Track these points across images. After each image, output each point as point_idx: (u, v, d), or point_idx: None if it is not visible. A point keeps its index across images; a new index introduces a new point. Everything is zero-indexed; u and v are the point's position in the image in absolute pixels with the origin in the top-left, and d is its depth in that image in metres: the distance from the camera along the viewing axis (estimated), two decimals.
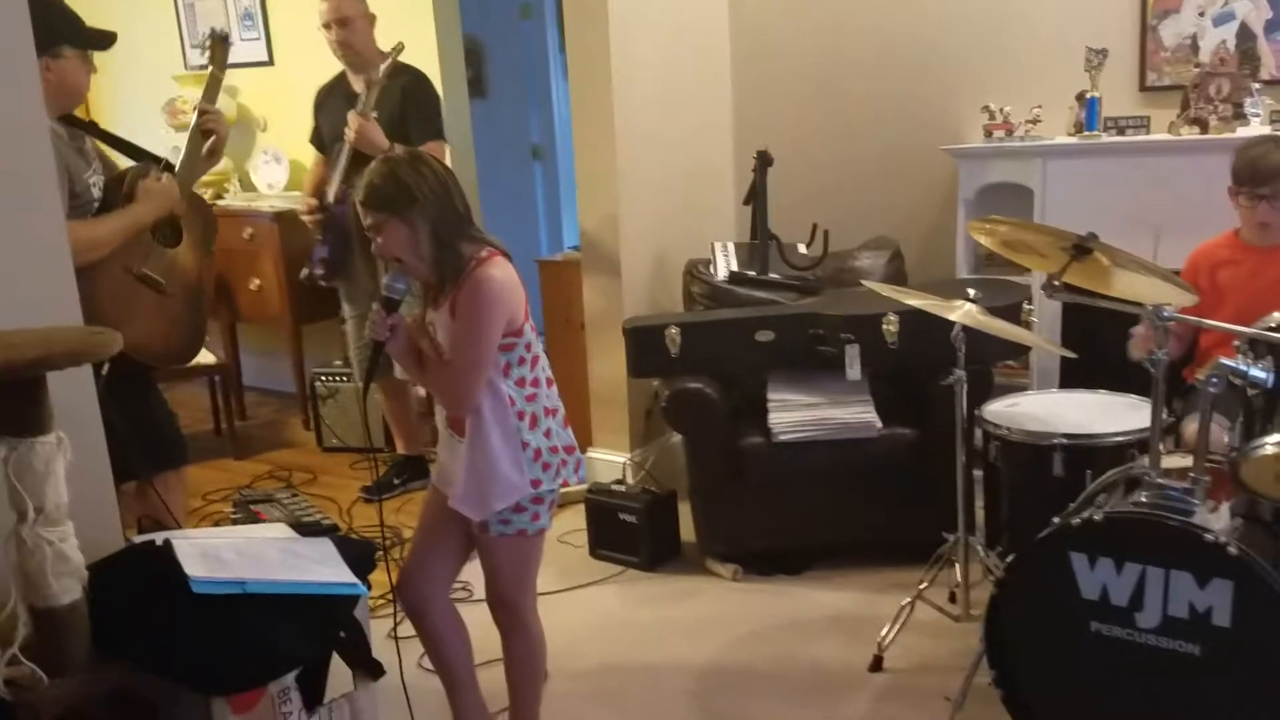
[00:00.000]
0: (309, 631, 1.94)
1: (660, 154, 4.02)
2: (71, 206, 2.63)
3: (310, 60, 5.17)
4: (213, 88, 3.02)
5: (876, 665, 2.81)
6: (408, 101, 3.69)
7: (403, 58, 3.71)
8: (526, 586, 2.33)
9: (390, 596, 2.86)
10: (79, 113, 2.89)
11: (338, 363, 4.76)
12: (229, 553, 1.96)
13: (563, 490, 2.31)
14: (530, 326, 2.20)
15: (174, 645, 1.85)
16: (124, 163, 2.97)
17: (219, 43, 3.06)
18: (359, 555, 2.14)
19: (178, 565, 1.86)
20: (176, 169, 2.90)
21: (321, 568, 2.02)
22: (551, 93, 6.29)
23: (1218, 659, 2.04)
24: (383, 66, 3.61)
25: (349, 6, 3.73)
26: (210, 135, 2.94)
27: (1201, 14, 3.61)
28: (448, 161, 3.64)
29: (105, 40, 2.76)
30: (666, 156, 4.06)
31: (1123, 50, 3.68)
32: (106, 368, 2.63)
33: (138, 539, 2.13)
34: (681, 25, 4.11)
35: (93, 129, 2.89)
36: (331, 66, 3.97)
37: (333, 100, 3.91)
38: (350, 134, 3.61)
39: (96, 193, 2.75)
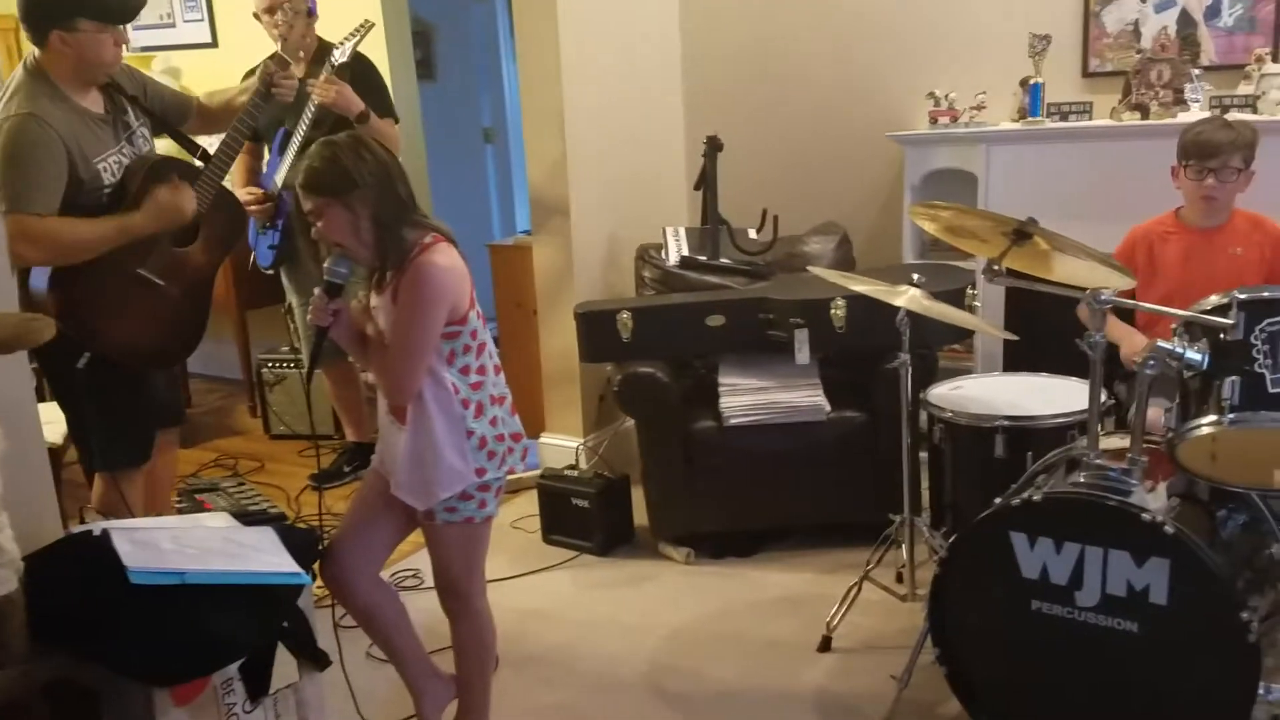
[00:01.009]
0: (251, 621, 1.93)
1: (611, 139, 4.01)
2: (75, 192, 2.57)
3: (255, 42, 5.10)
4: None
5: (826, 645, 2.84)
6: (357, 83, 3.63)
7: (335, 37, 3.65)
8: (475, 574, 2.32)
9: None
10: None
11: (284, 349, 4.71)
12: (168, 542, 1.94)
13: (512, 477, 2.31)
14: (477, 313, 2.18)
15: (114, 636, 1.82)
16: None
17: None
18: (303, 544, 2.12)
19: (116, 555, 1.83)
20: (212, 157, 2.81)
21: (264, 557, 2.00)
22: (503, 75, 6.25)
23: (1155, 636, 2.08)
24: (349, 45, 3.50)
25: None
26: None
27: (1143, 1, 3.66)
28: (399, 140, 3.61)
29: (123, 12, 2.65)
30: (617, 141, 4.05)
31: (1066, 36, 3.72)
32: (85, 359, 2.58)
33: (77, 529, 2.10)
34: (631, 10, 4.10)
35: (135, 102, 2.77)
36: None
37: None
38: (326, 97, 3.48)
39: (109, 178, 2.65)
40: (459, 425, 2.14)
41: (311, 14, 3.08)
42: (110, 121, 2.71)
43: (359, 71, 3.66)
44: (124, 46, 2.68)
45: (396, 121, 3.80)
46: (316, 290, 2.16)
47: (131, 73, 2.86)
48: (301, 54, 3.34)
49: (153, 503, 3.07)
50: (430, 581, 2.45)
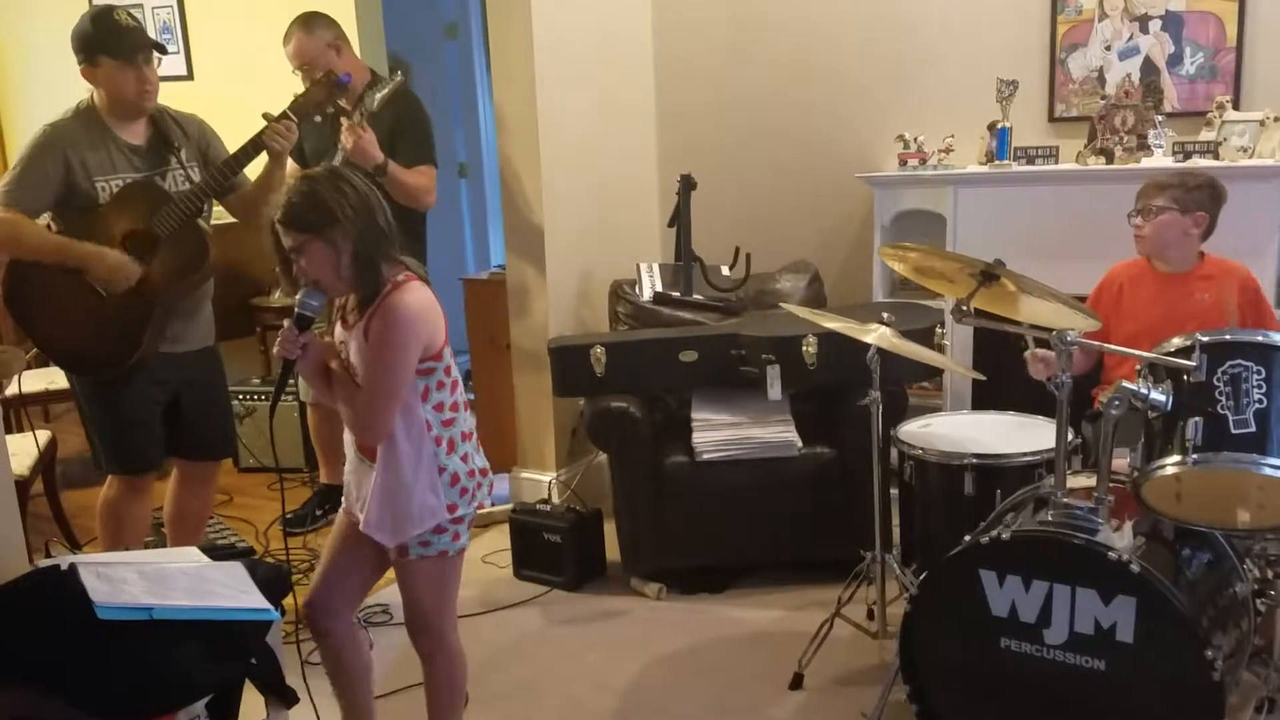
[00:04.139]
0: (219, 658, 1.90)
1: (585, 175, 4.04)
2: (70, 197, 2.78)
3: (230, 74, 5.12)
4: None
5: (797, 682, 2.83)
6: (398, 128, 3.57)
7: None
8: (447, 609, 2.29)
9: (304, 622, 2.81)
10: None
11: (255, 381, 4.68)
12: (136, 578, 1.92)
13: (481, 512, 2.29)
14: (448, 350, 2.18)
15: (80, 672, 1.80)
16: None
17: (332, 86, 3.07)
18: (272, 579, 2.10)
19: (83, 590, 1.81)
20: (190, 189, 2.89)
21: (232, 593, 1.98)
22: (479, 111, 6.29)
23: (1122, 674, 2.11)
24: (379, 95, 3.45)
25: (309, 49, 3.57)
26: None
27: (1108, 48, 3.75)
28: (431, 187, 3.58)
29: (130, 48, 2.79)
30: (592, 177, 4.08)
31: (1032, 82, 3.80)
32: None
33: (43, 563, 2.07)
34: (606, 50, 4.15)
35: (173, 148, 2.92)
36: (253, 81, 3.90)
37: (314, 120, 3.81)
38: (346, 144, 3.42)
39: (105, 197, 2.81)
40: (431, 462, 2.13)
41: (341, 83, 3.08)
42: (144, 153, 2.89)
43: (401, 117, 3.58)
44: (149, 84, 2.85)
45: (434, 166, 3.67)
46: (286, 322, 2.11)
47: (202, 128, 3.06)
48: (318, 118, 3.33)
49: (177, 532, 3.16)
50: (399, 618, 2.43)
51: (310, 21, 3.60)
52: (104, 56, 2.78)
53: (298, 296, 2.09)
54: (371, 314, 2.08)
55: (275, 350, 2.13)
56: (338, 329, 2.19)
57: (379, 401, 2.07)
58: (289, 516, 3.99)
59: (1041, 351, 2.84)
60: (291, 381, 2.24)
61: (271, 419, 2.48)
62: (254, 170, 3.02)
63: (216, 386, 3.16)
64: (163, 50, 2.91)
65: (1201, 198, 2.86)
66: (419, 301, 2.08)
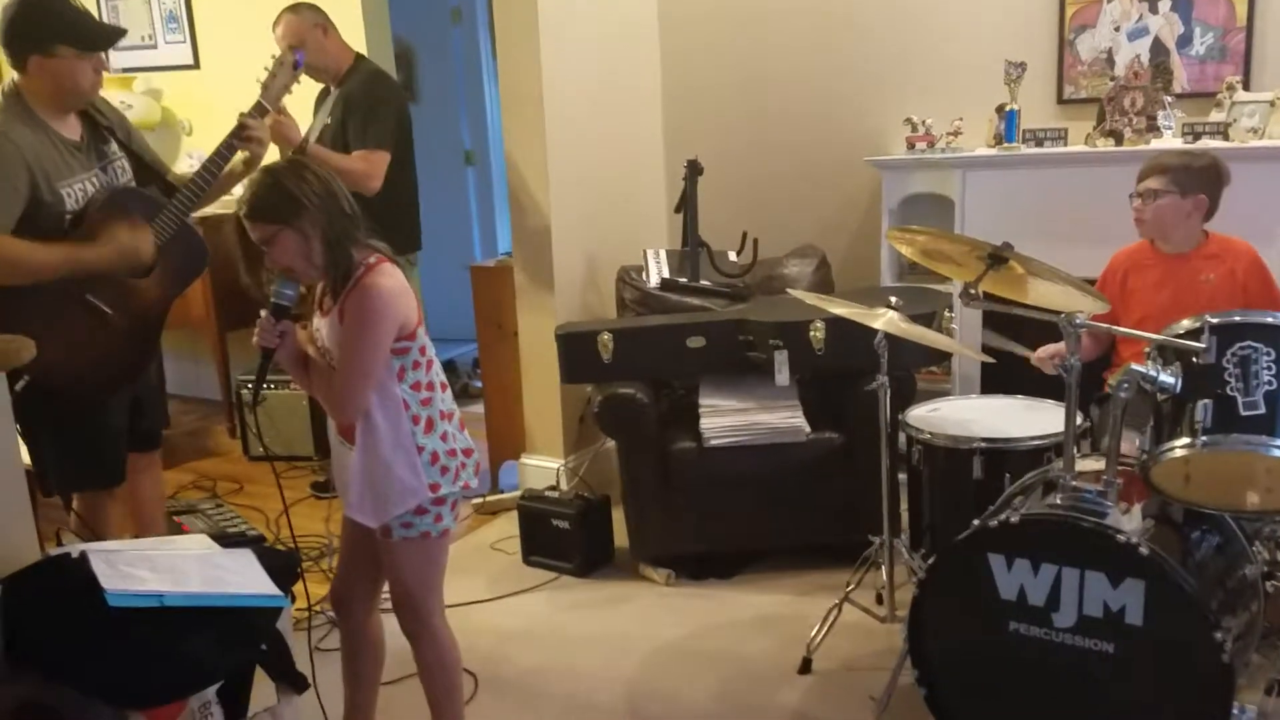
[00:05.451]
0: (229, 644, 1.91)
1: (592, 161, 4.03)
2: (36, 212, 2.53)
3: (236, 63, 5.11)
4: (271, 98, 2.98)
5: (805, 667, 2.84)
6: (351, 105, 3.57)
7: None
8: (433, 591, 2.29)
9: (315, 609, 2.83)
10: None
11: None
12: (146, 565, 1.93)
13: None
14: (423, 330, 2.18)
15: (89, 659, 1.81)
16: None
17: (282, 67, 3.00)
18: (282, 566, 2.11)
19: (93, 577, 1.82)
20: (176, 193, 2.77)
21: (242, 579, 1.99)
22: (485, 98, 6.28)
23: (1130, 657, 2.10)
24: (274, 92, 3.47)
25: (298, 28, 3.58)
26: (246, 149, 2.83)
27: (1117, 29, 3.72)
28: (370, 172, 3.45)
29: (102, 39, 2.66)
30: (598, 164, 4.07)
31: (1041, 64, 3.77)
32: (23, 382, 2.54)
33: (54, 551, 2.08)
34: (612, 35, 4.13)
35: (113, 134, 2.77)
36: (261, 70, 3.89)
37: (320, 106, 3.82)
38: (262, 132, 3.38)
39: (73, 203, 2.61)
40: (408, 441, 2.13)
41: (297, 67, 3.07)
42: (85, 148, 2.70)
43: (352, 97, 3.57)
44: (102, 74, 2.68)
45: (382, 150, 3.53)
46: (263, 313, 2.12)
47: (117, 110, 2.89)
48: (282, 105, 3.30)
49: (143, 526, 3.06)
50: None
51: (297, 6, 3.64)
52: (64, 46, 2.54)
53: (272, 286, 2.11)
54: (345, 296, 2.09)
55: (254, 340, 2.14)
56: (315, 316, 2.20)
57: (354, 380, 2.08)
58: (318, 483, 4.18)
59: (1045, 351, 2.84)
60: None
61: (255, 408, 2.47)
62: None
63: (156, 377, 3.06)
64: (122, 35, 2.77)
65: (1202, 180, 2.83)
66: (391, 284, 2.09)
